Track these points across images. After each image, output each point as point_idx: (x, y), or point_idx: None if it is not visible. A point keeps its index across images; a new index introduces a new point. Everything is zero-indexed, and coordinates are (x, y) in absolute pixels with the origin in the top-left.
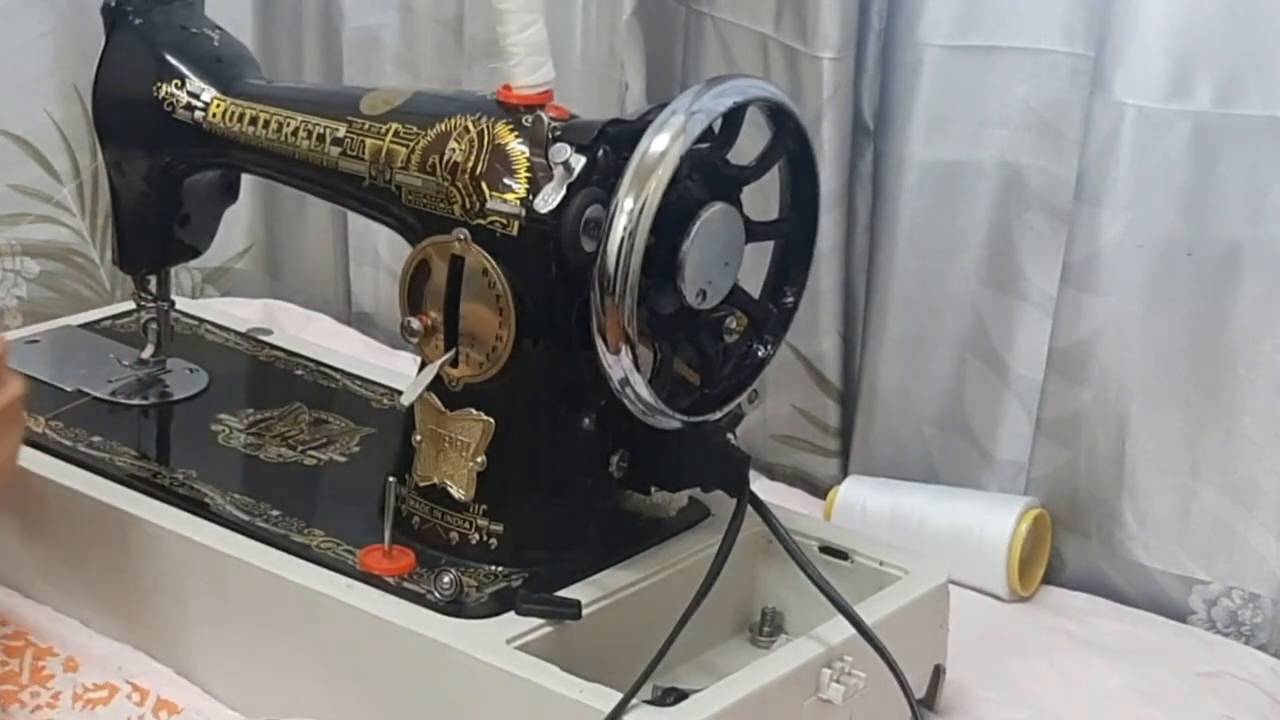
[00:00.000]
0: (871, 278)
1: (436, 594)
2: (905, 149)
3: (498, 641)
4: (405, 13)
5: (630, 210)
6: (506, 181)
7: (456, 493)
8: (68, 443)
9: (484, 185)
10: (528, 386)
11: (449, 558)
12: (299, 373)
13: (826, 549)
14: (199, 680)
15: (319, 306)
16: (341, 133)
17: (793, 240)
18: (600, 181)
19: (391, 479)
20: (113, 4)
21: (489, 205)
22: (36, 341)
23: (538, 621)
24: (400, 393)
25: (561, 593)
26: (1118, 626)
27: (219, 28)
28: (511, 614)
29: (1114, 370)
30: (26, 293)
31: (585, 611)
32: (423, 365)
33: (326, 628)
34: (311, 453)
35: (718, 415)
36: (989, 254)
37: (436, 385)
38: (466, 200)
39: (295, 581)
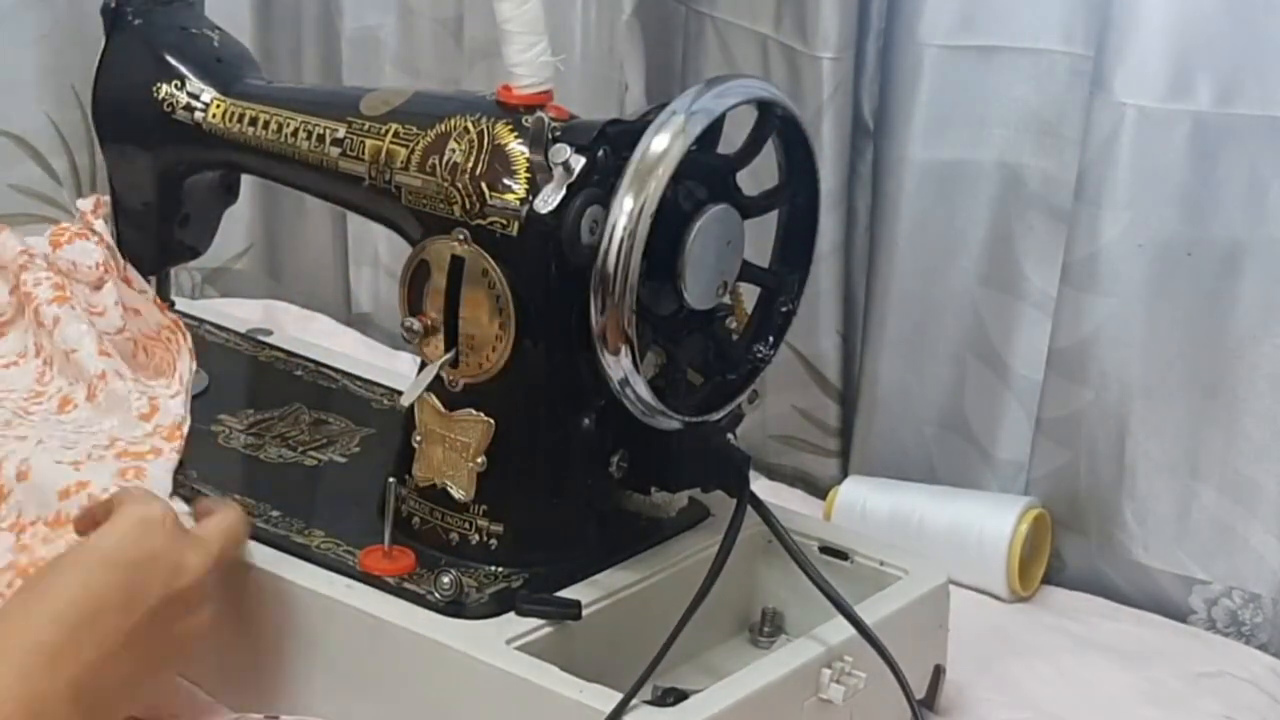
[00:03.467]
0: (871, 278)
1: (436, 594)
2: (905, 149)
3: (498, 642)
4: (405, 13)
5: (630, 210)
6: (506, 182)
7: (456, 493)
8: None
9: (484, 185)
10: (528, 387)
11: (449, 558)
12: (299, 373)
13: (826, 549)
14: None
15: (319, 307)
16: (341, 133)
17: (792, 240)
18: (600, 182)
19: (391, 479)
20: (112, 5)
21: (489, 205)
22: None
23: (538, 622)
24: (400, 393)
25: (561, 593)
26: (1118, 626)
27: (218, 28)
28: (511, 614)
29: (1114, 370)
30: None
31: (585, 612)
32: (422, 366)
33: (326, 628)
34: (311, 453)
35: (717, 416)
36: (989, 254)
37: (436, 386)
38: (466, 200)
39: (295, 582)
